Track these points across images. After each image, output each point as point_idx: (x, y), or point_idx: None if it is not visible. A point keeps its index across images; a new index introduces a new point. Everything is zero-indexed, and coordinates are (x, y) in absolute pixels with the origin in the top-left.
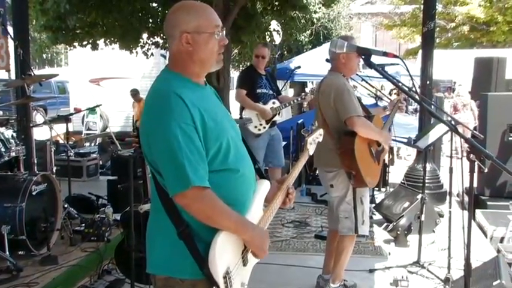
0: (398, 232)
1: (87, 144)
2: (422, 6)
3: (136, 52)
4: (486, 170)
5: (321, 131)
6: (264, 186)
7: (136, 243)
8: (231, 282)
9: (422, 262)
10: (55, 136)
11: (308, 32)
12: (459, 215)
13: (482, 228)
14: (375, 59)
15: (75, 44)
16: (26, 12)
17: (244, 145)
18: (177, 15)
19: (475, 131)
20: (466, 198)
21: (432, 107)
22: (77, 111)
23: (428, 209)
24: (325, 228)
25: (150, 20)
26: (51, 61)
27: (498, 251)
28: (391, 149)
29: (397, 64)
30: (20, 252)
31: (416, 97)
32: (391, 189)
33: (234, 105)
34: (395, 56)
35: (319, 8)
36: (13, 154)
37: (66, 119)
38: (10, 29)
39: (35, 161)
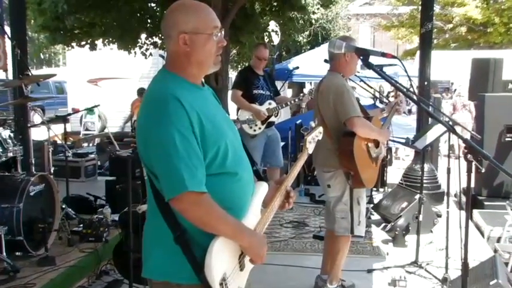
0: (397, 232)
1: (85, 144)
2: (420, 8)
3: (135, 52)
4: (483, 171)
5: (321, 129)
6: (263, 188)
7: (134, 244)
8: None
9: (420, 262)
10: (53, 136)
11: (306, 32)
12: (457, 215)
13: (479, 228)
14: (373, 60)
15: (73, 44)
16: (23, 12)
17: (243, 148)
18: (175, 15)
19: (472, 132)
20: (464, 199)
21: (430, 107)
22: (75, 111)
23: (426, 209)
24: (323, 228)
25: (149, 20)
26: (49, 61)
27: (495, 251)
28: (389, 149)
29: (396, 65)
30: (17, 253)
31: (414, 98)
32: (389, 190)
33: (233, 106)
34: (393, 57)
35: (318, 8)
36: (11, 154)
37: (64, 119)
38: (7, 29)
39: (33, 162)
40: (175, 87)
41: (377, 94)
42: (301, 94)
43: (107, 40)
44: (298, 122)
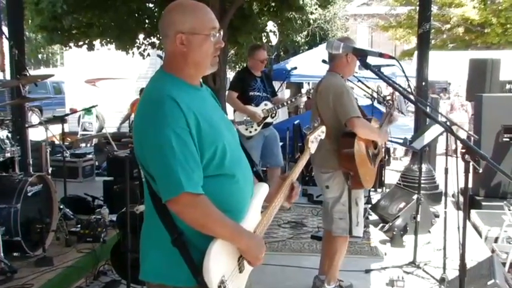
0: (394, 232)
1: (83, 144)
2: (417, 8)
3: (133, 53)
4: (481, 171)
5: (323, 128)
6: (262, 189)
7: (132, 244)
8: None
9: (418, 262)
10: (51, 137)
11: (304, 33)
12: (454, 216)
13: (477, 228)
14: (371, 60)
15: (71, 44)
16: (21, 12)
17: (242, 149)
18: (172, 15)
19: (470, 132)
20: (461, 199)
21: (428, 108)
22: (73, 111)
23: (424, 209)
24: (321, 228)
25: (147, 21)
26: (46, 61)
27: (492, 251)
28: (387, 150)
29: (393, 65)
30: (14, 254)
31: (412, 98)
32: (387, 190)
33: (230, 107)
34: (391, 57)
35: (316, 9)
36: (8, 155)
37: (61, 119)
38: (5, 29)
39: (31, 162)
40: (172, 87)
41: (375, 94)
42: (298, 94)
43: (104, 40)
44: (296, 122)
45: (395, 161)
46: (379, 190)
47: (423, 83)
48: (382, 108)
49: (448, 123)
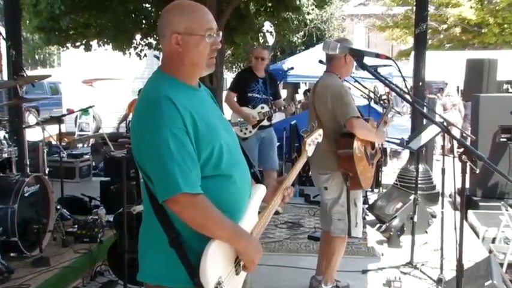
0: (391, 233)
1: (80, 145)
2: (414, 8)
3: (130, 53)
4: (478, 171)
5: (321, 131)
6: (260, 191)
7: (129, 245)
8: None
9: (415, 263)
10: (47, 137)
11: (301, 33)
12: (451, 216)
13: (474, 228)
14: (368, 61)
15: (68, 45)
16: (18, 13)
17: (240, 149)
18: (169, 15)
19: (467, 132)
20: (458, 199)
21: (424, 108)
22: (70, 112)
23: (421, 209)
24: (318, 229)
25: (144, 21)
26: (43, 62)
27: (490, 252)
28: (384, 150)
29: (390, 65)
30: (11, 254)
31: (409, 98)
32: (384, 190)
33: (227, 107)
34: (387, 58)
35: (312, 9)
36: (5, 155)
37: (58, 120)
38: (2, 30)
39: (27, 162)
40: (169, 88)
41: (371, 95)
42: (297, 101)
43: (101, 41)
44: (293, 122)
45: (392, 161)
46: (376, 190)
47: (420, 83)
48: (379, 109)
49: (445, 123)
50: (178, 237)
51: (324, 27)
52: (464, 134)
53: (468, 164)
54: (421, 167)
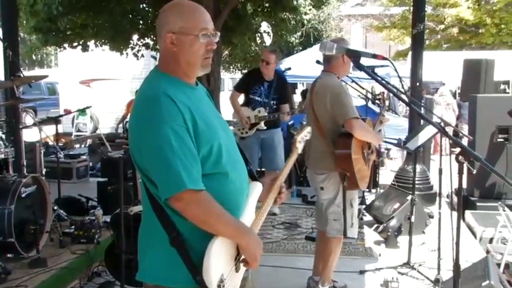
0: (389, 233)
1: (77, 145)
2: (411, 8)
3: (127, 53)
4: (475, 172)
5: (309, 128)
6: (257, 188)
7: (126, 245)
8: None
9: (413, 263)
10: (45, 138)
11: (298, 33)
12: (449, 216)
13: (471, 229)
14: (365, 61)
15: (65, 45)
16: (15, 13)
17: (237, 148)
18: (166, 15)
19: (463, 132)
20: (456, 199)
21: (421, 108)
22: (67, 112)
23: (418, 210)
24: (315, 229)
25: (141, 22)
26: (41, 62)
27: (487, 252)
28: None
29: (387, 66)
30: (8, 255)
31: (405, 99)
32: (382, 191)
33: (225, 107)
34: (384, 58)
35: (310, 9)
36: (2, 156)
37: (55, 120)
38: None
39: (24, 163)
40: (167, 86)
41: (369, 95)
42: (295, 108)
43: (98, 41)
44: (290, 122)
45: (390, 161)
46: (373, 191)
47: (417, 84)
48: (377, 109)
49: (442, 124)
50: (180, 236)
51: (322, 27)
52: (460, 134)
53: (465, 164)
54: (418, 167)
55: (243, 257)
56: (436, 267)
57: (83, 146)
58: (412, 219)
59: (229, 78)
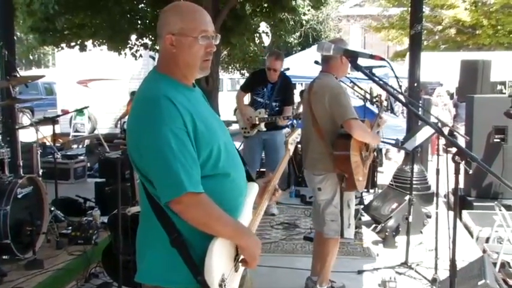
0: (387, 233)
1: (75, 146)
2: (410, 9)
3: (125, 53)
4: (471, 172)
5: (299, 131)
6: (254, 189)
7: (124, 246)
8: None
9: (410, 263)
10: (42, 138)
11: (297, 33)
12: (446, 216)
13: (468, 228)
14: (363, 61)
15: (63, 45)
16: (11, 12)
17: (235, 149)
18: (166, 16)
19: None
20: (453, 199)
21: (419, 109)
22: (65, 112)
23: (416, 210)
24: (314, 230)
25: (139, 22)
26: (38, 62)
27: (484, 251)
28: (379, 151)
29: (385, 66)
30: (4, 257)
31: (403, 99)
32: (380, 191)
33: (223, 107)
34: (381, 59)
35: (308, 10)
36: None
37: (53, 120)
38: None
39: (21, 164)
40: (166, 87)
41: (367, 96)
42: (286, 116)
43: (96, 41)
44: (288, 123)
45: (388, 161)
46: (371, 191)
47: (415, 84)
48: (375, 109)
49: (439, 124)
50: (180, 237)
51: (320, 28)
52: (454, 133)
53: (461, 164)
54: (416, 167)
55: (242, 256)
56: (433, 267)
57: (80, 146)
58: (410, 219)
59: (228, 78)
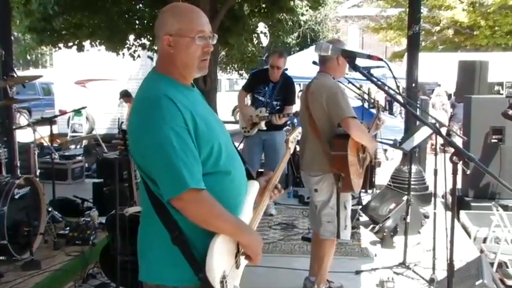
0: (385, 233)
1: (73, 146)
2: (407, 10)
3: (123, 54)
4: (469, 172)
5: (300, 129)
6: (255, 187)
7: (121, 247)
8: (227, 286)
9: (408, 263)
10: (39, 138)
11: (295, 34)
12: (444, 216)
13: (466, 229)
14: (361, 62)
15: (61, 45)
16: (8, 12)
17: (235, 147)
18: (164, 16)
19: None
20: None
21: (417, 109)
22: (62, 113)
23: (414, 210)
24: (311, 230)
25: (137, 22)
26: (35, 62)
27: (481, 251)
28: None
29: (383, 67)
30: (1, 258)
31: (401, 99)
32: (378, 191)
33: (221, 107)
34: (379, 59)
35: (306, 10)
36: None
37: (50, 121)
38: None
39: (18, 164)
40: (166, 87)
41: (365, 96)
42: (281, 114)
43: (94, 41)
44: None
45: (386, 161)
46: (369, 191)
47: (413, 85)
48: (373, 110)
49: (436, 124)
50: (182, 234)
51: (318, 28)
52: (451, 132)
53: (459, 165)
54: (414, 167)
55: (243, 252)
56: (431, 267)
57: (78, 146)
58: (408, 220)
59: (226, 79)
